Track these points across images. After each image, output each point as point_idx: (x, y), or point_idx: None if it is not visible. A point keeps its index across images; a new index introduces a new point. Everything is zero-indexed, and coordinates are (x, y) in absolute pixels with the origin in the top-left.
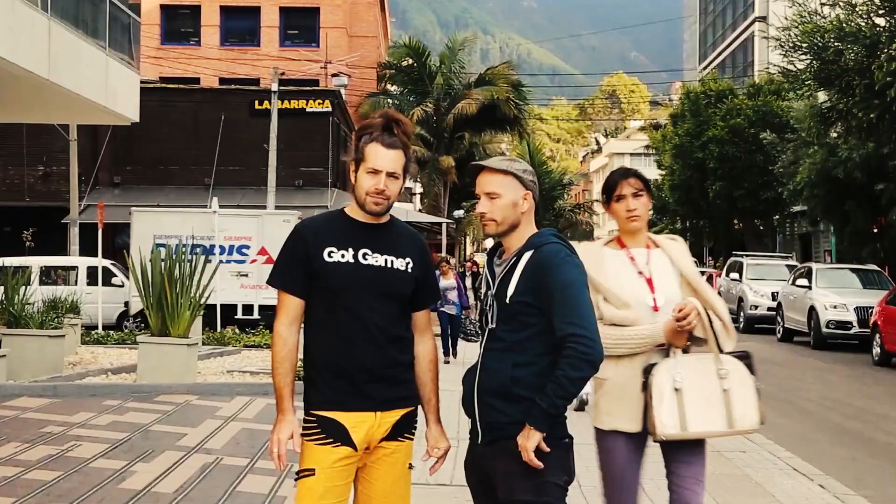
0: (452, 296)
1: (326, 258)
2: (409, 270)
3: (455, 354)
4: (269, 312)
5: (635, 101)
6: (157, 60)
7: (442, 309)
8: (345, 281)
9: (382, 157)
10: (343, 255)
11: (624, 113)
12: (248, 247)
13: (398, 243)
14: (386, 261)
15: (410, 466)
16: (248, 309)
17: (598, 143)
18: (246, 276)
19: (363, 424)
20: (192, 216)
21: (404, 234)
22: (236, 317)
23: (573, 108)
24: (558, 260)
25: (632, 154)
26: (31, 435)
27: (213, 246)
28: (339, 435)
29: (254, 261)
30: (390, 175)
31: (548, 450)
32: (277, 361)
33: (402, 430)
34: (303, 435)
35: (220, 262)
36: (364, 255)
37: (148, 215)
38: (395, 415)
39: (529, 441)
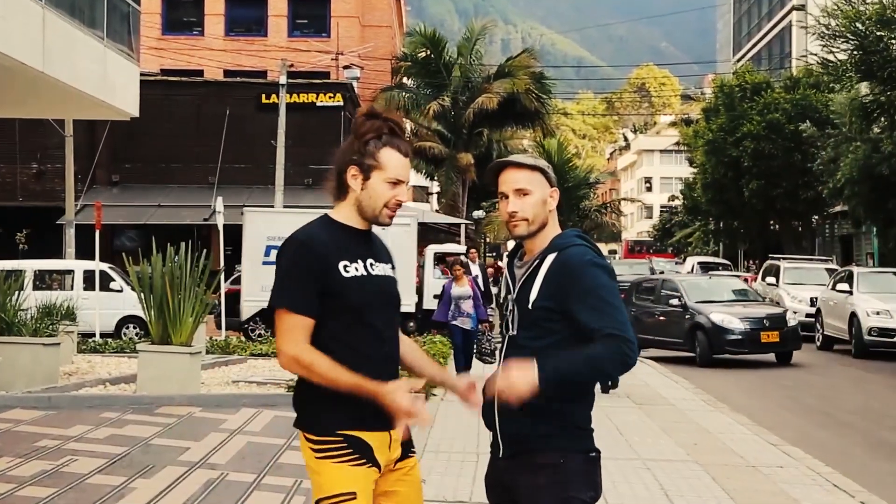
0: (467, 306)
1: (344, 273)
2: (395, 276)
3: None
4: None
5: (666, 94)
6: (159, 52)
7: (454, 322)
8: (365, 297)
9: (405, 168)
10: (357, 269)
11: (654, 107)
12: None
13: (383, 249)
14: (384, 269)
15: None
16: None
17: (626, 139)
18: None
19: (384, 444)
20: (307, 217)
21: (378, 237)
22: None
23: (600, 102)
24: (584, 262)
25: (662, 151)
26: (24, 449)
27: None
28: (369, 455)
29: None
30: (406, 184)
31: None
32: (328, 370)
33: (409, 445)
34: (330, 457)
35: None
36: (371, 265)
37: (260, 215)
38: (397, 431)
39: (518, 380)
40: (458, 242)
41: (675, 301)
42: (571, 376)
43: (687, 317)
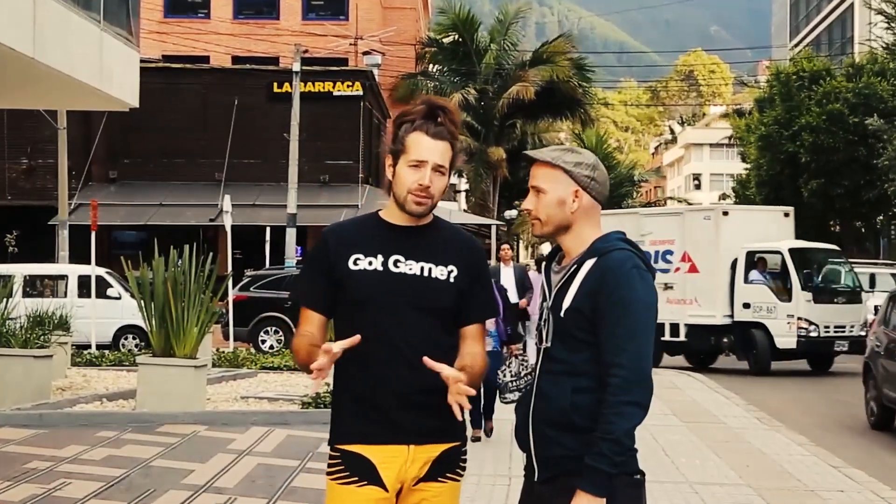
0: (488, 323)
1: (352, 266)
2: (452, 280)
3: (490, 429)
4: (698, 334)
5: (716, 83)
6: (161, 36)
7: None
8: (370, 291)
9: (427, 148)
10: (371, 263)
11: (703, 97)
12: (671, 252)
13: (440, 248)
14: (422, 269)
15: None
16: (675, 329)
17: (672, 131)
18: (671, 288)
19: (394, 460)
20: (617, 219)
21: (450, 238)
22: (662, 338)
23: (644, 92)
24: (624, 271)
25: (712, 145)
26: (13, 471)
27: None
28: (366, 472)
29: (677, 269)
30: (436, 169)
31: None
32: (296, 348)
33: (445, 468)
34: (327, 474)
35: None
36: (396, 262)
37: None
38: (433, 450)
39: None
40: (489, 245)
41: None
42: (617, 462)
43: None
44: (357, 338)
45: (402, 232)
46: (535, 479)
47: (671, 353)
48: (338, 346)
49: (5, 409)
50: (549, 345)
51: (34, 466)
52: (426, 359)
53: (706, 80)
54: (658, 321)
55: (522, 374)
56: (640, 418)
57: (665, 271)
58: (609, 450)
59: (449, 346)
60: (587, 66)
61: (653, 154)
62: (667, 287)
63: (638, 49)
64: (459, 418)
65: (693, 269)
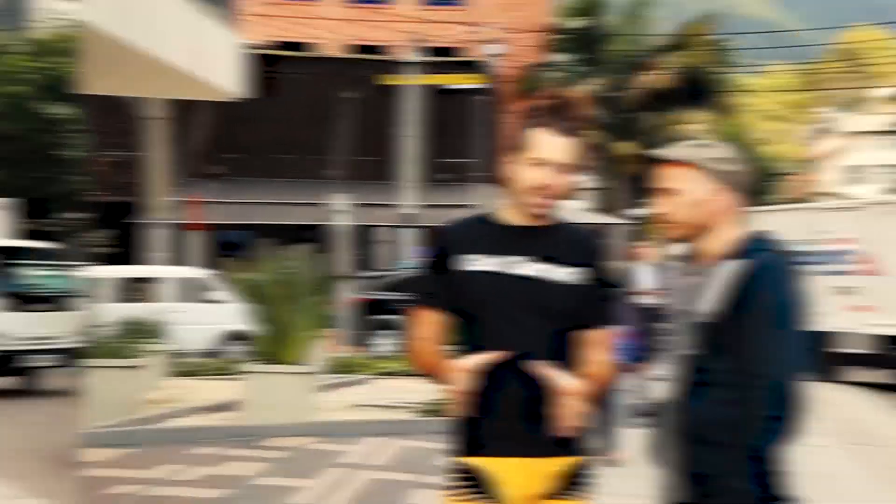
0: (616, 335)
1: (467, 267)
2: (572, 282)
3: (612, 448)
4: (884, 345)
5: (886, 62)
6: (265, 20)
7: None
8: (485, 294)
9: (550, 146)
10: (487, 264)
11: (869, 76)
12: (849, 252)
13: (561, 249)
14: (541, 270)
15: None
16: (857, 340)
17: (828, 120)
18: (850, 293)
19: (515, 474)
20: (796, 214)
21: (572, 238)
22: (844, 350)
23: (794, 76)
24: (771, 275)
25: (877, 133)
26: (100, 496)
27: (817, 253)
28: (486, 487)
29: (856, 271)
30: (559, 168)
31: None
32: (420, 350)
33: (569, 485)
34: (445, 488)
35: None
36: (513, 263)
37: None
38: (555, 463)
39: None
40: (615, 245)
41: None
42: (766, 484)
43: None
44: (500, 354)
45: (521, 232)
46: (675, 499)
47: (866, 367)
48: (475, 362)
49: (94, 426)
50: (687, 353)
51: (124, 491)
52: (542, 366)
53: (873, 59)
54: (835, 330)
55: (650, 397)
56: (790, 435)
57: (842, 274)
58: (756, 469)
59: (568, 352)
60: (730, 48)
61: (804, 145)
62: (845, 292)
63: (790, 27)
64: (568, 433)
65: (875, 272)
